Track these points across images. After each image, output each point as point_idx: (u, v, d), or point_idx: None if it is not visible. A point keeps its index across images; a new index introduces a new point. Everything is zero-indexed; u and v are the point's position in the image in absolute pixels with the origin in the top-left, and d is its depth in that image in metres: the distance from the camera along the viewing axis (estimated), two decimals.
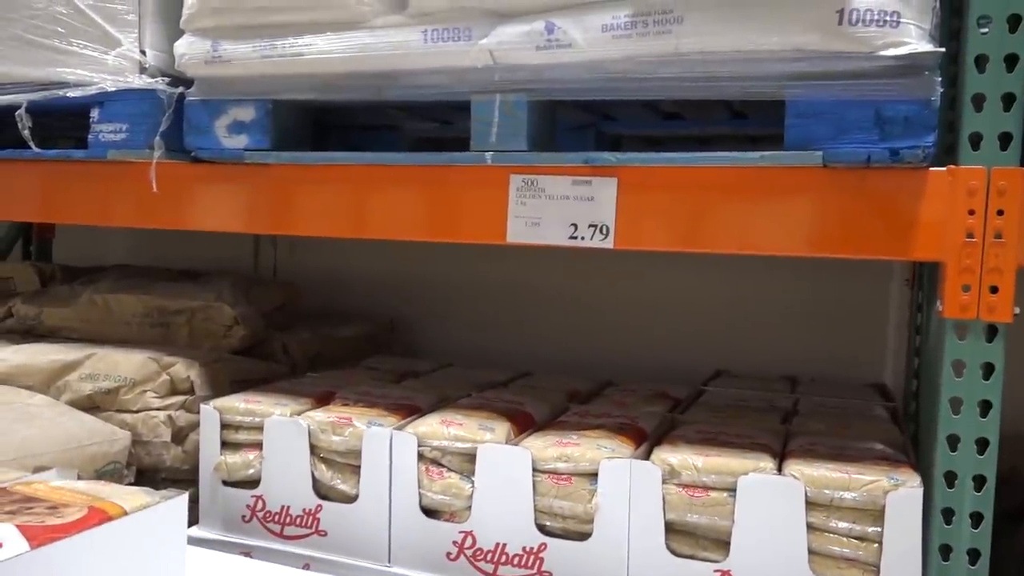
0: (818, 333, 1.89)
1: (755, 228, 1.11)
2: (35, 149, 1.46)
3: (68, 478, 0.93)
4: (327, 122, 1.52)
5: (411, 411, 1.36)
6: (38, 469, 1.21)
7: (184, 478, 1.48)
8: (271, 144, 1.31)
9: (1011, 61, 0.98)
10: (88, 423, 1.38)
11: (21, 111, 1.45)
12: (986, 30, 0.99)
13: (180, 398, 1.47)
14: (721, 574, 1.05)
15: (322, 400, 1.43)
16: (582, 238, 1.19)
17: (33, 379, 1.51)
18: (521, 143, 1.18)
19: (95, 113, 1.43)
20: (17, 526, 0.74)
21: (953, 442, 1.01)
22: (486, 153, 1.19)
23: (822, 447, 1.13)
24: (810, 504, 1.02)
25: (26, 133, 1.45)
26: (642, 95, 1.12)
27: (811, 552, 1.02)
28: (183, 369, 1.47)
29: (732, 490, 1.05)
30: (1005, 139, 0.98)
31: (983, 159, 0.99)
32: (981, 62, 0.99)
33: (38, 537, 0.73)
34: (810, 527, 1.02)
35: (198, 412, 1.45)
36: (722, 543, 1.08)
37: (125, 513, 0.81)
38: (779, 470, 1.07)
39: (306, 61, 1.25)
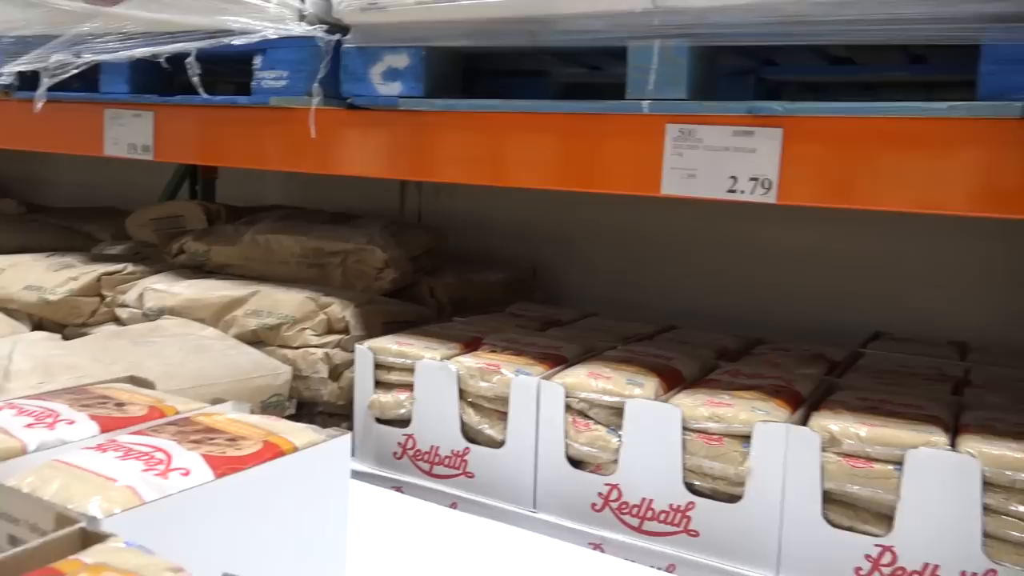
0: (995, 297, 1.75)
1: (937, 185, 1.03)
2: (203, 95, 1.53)
3: (242, 411, 0.98)
4: (472, 69, 1.51)
5: (557, 361, 1.36)
6: (214, 399, 1.30)
7: (339, 412, 1.55)
8: (424, 91, 1.31)
9: None
10: (254, 357, 1.47)
11: (191, 59, 1.52)
12: None
13: (336, 337, 1.53)
14: (883, 549, 1.01)
15: (470, 346, 1.45)
16: (741, 192, 1.14)
17: (204, 313, 1.61)
18: (680, 91, 1.13)
19: (258, 60, 1.48)
20: (202, 455, 0.80)
21: None
22: (642, 102, 1.15)
23: (1001, 423, 1.05)
24: (988, 485, 0.95)
25: (195, 80, 1.52)
26: (817, 39, 1.05)
27: (986, 536, 0.96)
28: (339, 309, 1.53)
29: (899, 463, 1.00)
30: None
31: None
32: None
33: (220, 467, 0.78)
34: (986, 509, 0.96)
35: (352, 351, 1.51)
36: (884, 517, 1.03)
37: (295, 449, 0.85)
38: (952, 445, 1.01)
39: (462, 6, 1.23)
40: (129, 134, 1.73)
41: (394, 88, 1.33)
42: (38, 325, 1.82)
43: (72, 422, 0.87)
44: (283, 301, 1.56)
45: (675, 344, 1.52)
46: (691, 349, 1.47)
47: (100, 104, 1.74)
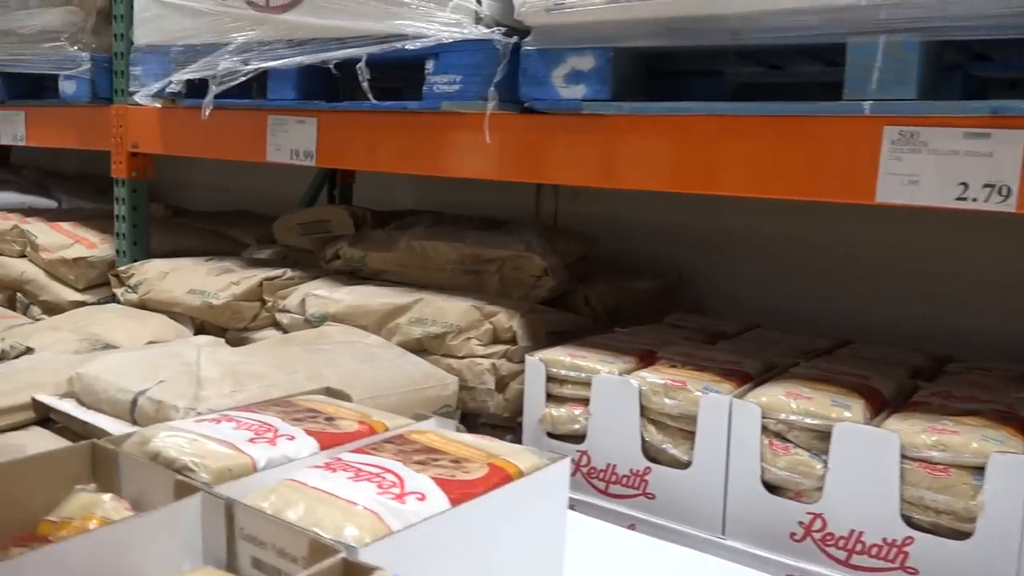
0: None
1: None
2: (372, 101, 1.52)
3: (446, 427, 0.95)
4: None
5: (743, 378, 1.29)
6: (389, 410, 1.29)
7: (502, 424, 1.52)
8: (611, 94, 1.26)
9: None
10: (422, 366, 1.45)
11: (361, 64, 1.52)
12: None
13: (502, 347, 1.50)
14: None
15: (644, 359, 1.39)
16: (973, 200, 1.04)
17: (367, 319, 1.60)
18: (908, 91, 1.04)
19: (430, 65, 1.46)
20: (433, 479, 0.76)
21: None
22: (864, 102, 1.06)
23: None
24: None
25: (365, 85, 1.52)
26: None
27: None
28: (505, 319, 1.50)
29: None
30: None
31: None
32: None
33: (454, 493, 0.75)
34: None
35: (519, 362, 1.47)
36: None
37: (521, 473, 0.81)
38: None
39: (658, 5, 1.18)
40: (292, 140, 1.74)
41: (577, 91, 1.28)
42: (199, 328, 1.87)
43: (292, 438, 0.85)
44: (447, 309, 1.54)
45: (862, 361, 1.42)
46: (882, 367, 1.37)
47: (264, 111, 1.76)
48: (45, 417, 1.24)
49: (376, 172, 2.27)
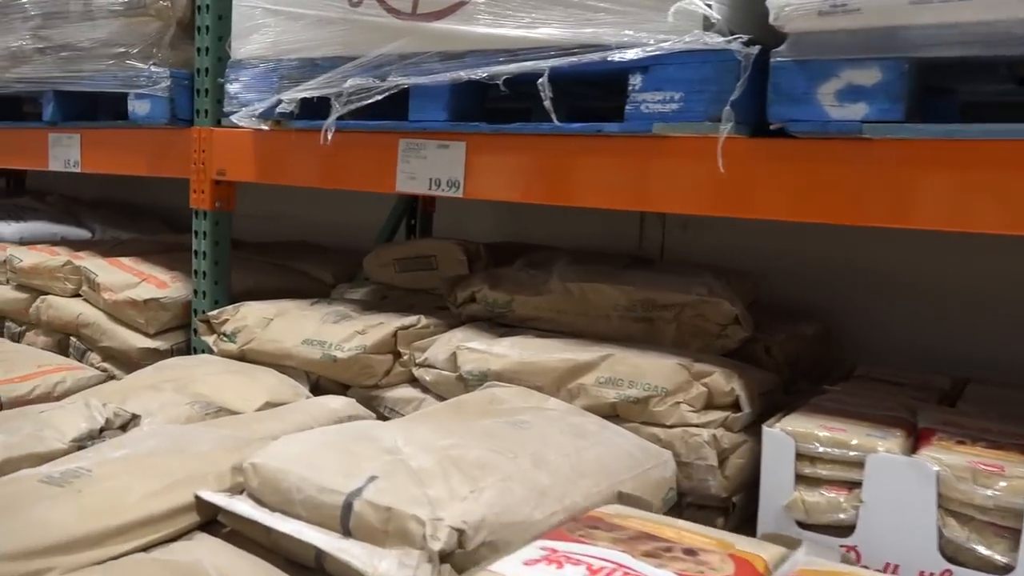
0: None
1: None
2: (556, 122, 1.29)
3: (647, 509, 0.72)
4: None
5: None
6: (620, 498, 1.04)
7: (712, 504, 1.28)
8: (902, 114, 1.04)
9: None
10: (633, 440, 1.21)
11: (543, 80, 1.28)
12: None
13: (720, 414, 1.26)
14: None
15: (908, 430, 1.16)
16: None
17: (542, 379, 1.36)
18: None
19: (636, 80, 1.23)
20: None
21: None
22: None
23: None
24: None
25: (547, 104, 1.28)
26: None
27: None
28: (723, 380, 1.26)
29: None
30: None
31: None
32: None
33: None
34: None
35: (739, 431, 1.24)
36: None
37: (767, 567, 0.58)
38: None
39: (981, 5, 0.96)
40: (431, 167, 1.50)
41: (856, 111, 1.06)
42: (315, 385, 1.61)
43: None
44: (646, 368, 1.30)
45: None
46: None
47: (394, 134, 1.52)
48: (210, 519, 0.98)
49: (457, 200, 2.03)
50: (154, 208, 3.30)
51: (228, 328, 1.70)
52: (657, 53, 1.19)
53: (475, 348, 1.43)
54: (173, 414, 1.37)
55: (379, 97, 1.47)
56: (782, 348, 1.57)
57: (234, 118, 1.69)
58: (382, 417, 1.48)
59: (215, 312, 1.76)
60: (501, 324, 1.60)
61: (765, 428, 1.17)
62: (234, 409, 1.43)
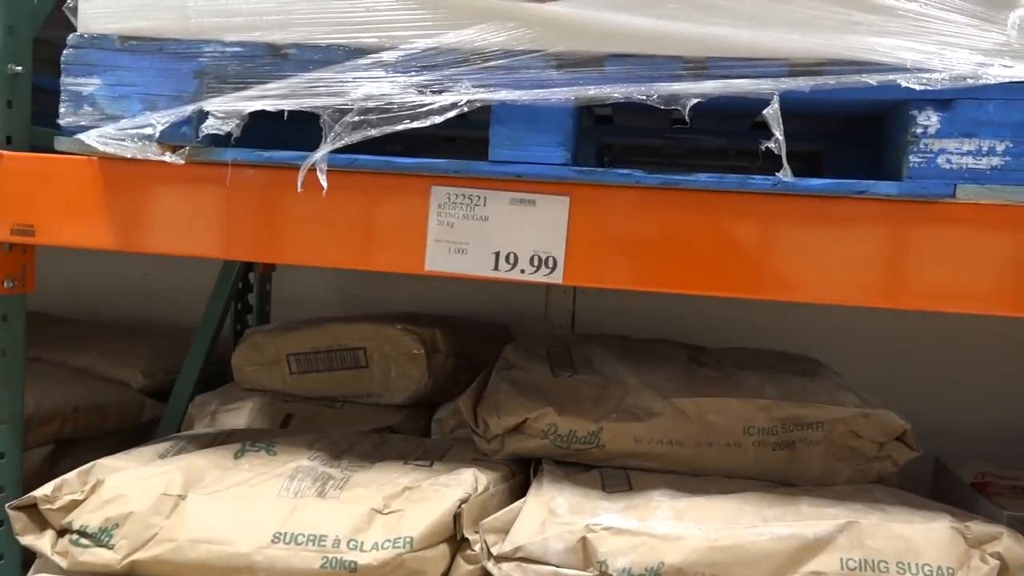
0: None
1: None
2: (784, 177, 0.83)
3: None
4: None
5: None
6: None
7: None
8: None
9: None
10: None
11: (771, 109, 0.82)
12: None
13: None
14: None
15: None
16: None
17: (753, 571, 0.87)
18: None
19: (928, 120, 0.83)
20: None
21: None
22: None
23: None
24: None
25: (777, 145, 0.82)
26: None
27: None
28: (1016, 546, 0.89)
29: None
30: None
31: None
32: None
33: None
34: None
35: None
36: None
37: None
38: None
39: None
40: (497, 236, 0.93)
41: None
42: None
43: None
44: (912, 537, 0.88)
45: None
46: None
47: (423, 177, 0.93)
48: None
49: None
50: None
51: (86, 519, 0.93)
52: (973, 84, 0.79)
53: (620, 527, 0.89)
54: None
55: (437, 120, 0.87)
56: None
57: (93, 138, 0.93)
58: None
59: (47, 489, 0.96)
60: (582, 465, 1.07)
61: None
62: None
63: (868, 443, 1.10)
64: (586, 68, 0.86)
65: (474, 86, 0.87)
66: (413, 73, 0.88)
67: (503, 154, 0.89)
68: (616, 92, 0.85)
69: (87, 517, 0.93)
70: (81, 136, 0.94)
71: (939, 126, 0.82)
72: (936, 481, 1.47)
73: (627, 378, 1.13)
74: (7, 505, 0.97)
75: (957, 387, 1.78)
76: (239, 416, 1.30)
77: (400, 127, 0.88)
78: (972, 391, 1.77)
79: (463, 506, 0.93)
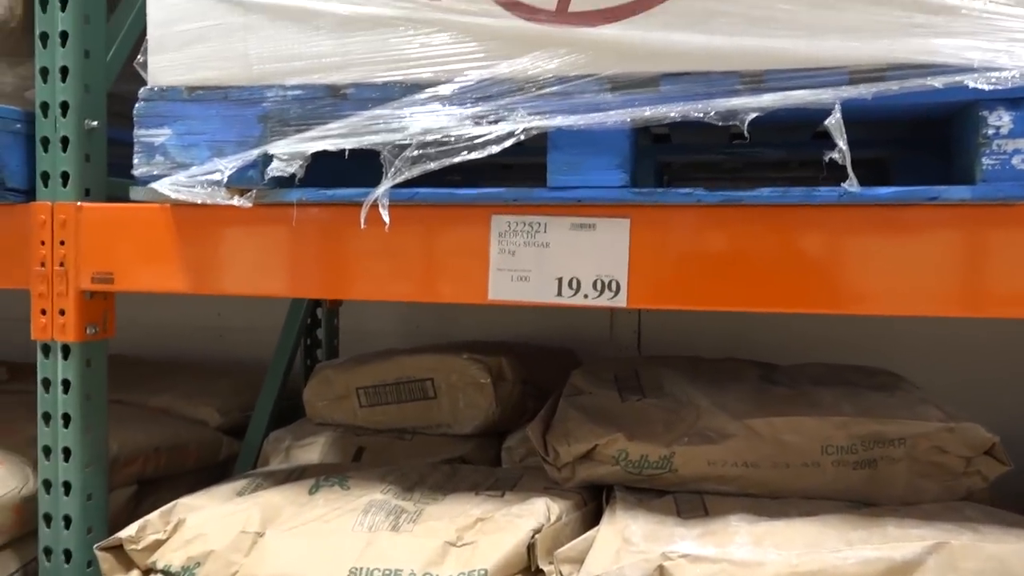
0: None
1: None
2: (852, 188, 0.80)
3: None
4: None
5: None
6: None
7: None
8: None
9: None
10: None
11: (833, 119, 0.80)
12: None
13: None
14: None
15: None
16: None
17: None
18: None
19: (1001, 119, 0.80)
20: None
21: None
22: None
23: None
24: None
25: (842, 154, 0.80)
26: None
27: None
28: None
29: None
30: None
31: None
32: None
33: None
34: None
35: None
36: None
37: None
38: None
39: None
40: (558, 260, 0.93)
41: None
42: None
43: None
44: (1002, 561, 0.84)
45: None
46: None
47: (482, 207, 0.94)
48: None
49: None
50: None
51: (170, 558, 0.95)
52: None
53: (698, 554, 0.87)
54: None
55: (494, 150, 0.88)
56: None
57: (165, 186, 0.97)
58: None
59: (131, 529, 0.99)
60: (654, 491, 1.05)
61: None
62: None
63: (954, 458, 1.05)
64: (641, 89, 0.86)
65: (529, 114, 0.88)
66: (469, 105, 0.89)
67: (561, 180, 0.89)
68: (673, 111, 0.85)
69: (170, 556, 0.96)
70: (154, 185, 0.98)
71: (1012, 125, 0.79)
72: None
73: (698, 400, 1.11)
74: (95, 546, 1.00)
75: None
76: (312, 451, 1.32)
77: (458, 159, 0.89)
78: None
79: (536, 536, 0.92)
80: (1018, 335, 1.70)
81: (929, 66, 0.79)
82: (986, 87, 0.77)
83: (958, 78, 0.78)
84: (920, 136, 1.13)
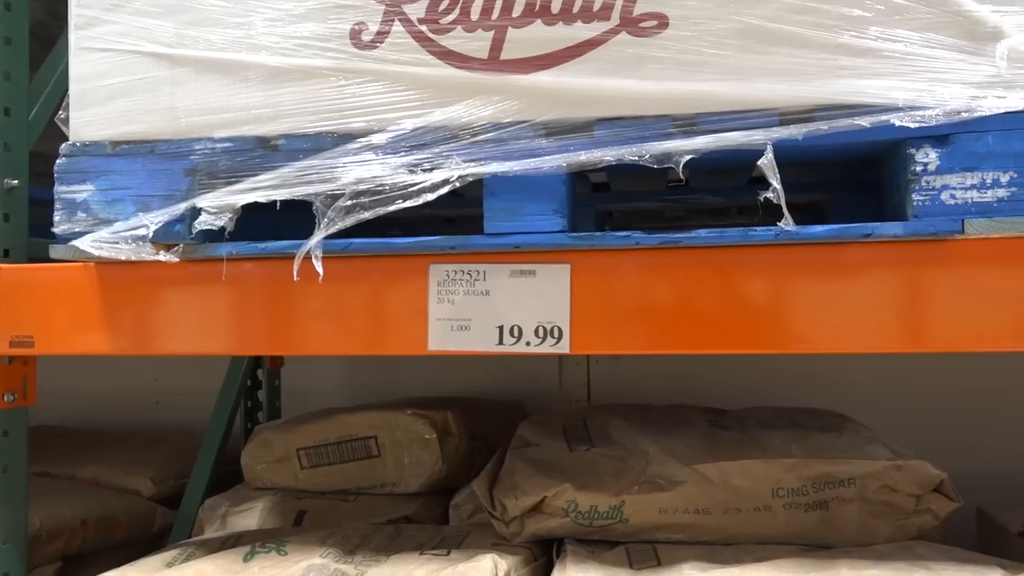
0: None
1: None
2: (788, 227, 0.81)
3: None
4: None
5: None
6: None
7: None
8: None
9: None
10: None
11: (765, 159, 0.80)
12: None
13: None
14: None
15: None
16: None
17: None
18: None
19: (928, 156, 0.81)
20: None
21: None
22: None
23: None
24: None
25: (777, 195, 0.80)
26: None
27: None
28: None
29: None
30: None
31: None
32: None
33: None
34: None
35: None
36: None
37: None
38: None
39: None
40: (499, 309, 0.91)
41: None
42: None
43: None
44: None
45: None
46: None
47: (419, 256, 0.92)
48: None
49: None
50: None
51: None
52: (969, 117, 0.78)
53: None
54: None
55: (429, 197, 0.86)
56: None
57: (87, 243, 0.93)
58: None
59: None
60: (606, 543, 1.02)
61: None
62: None
63: (905, 497, 1.04)
64: (575, 134, 0.86)
65: (464, 161, 0.87)
66: (403, 153, 0.88)
67: (499, 226, 0.88)
68: (607, 155, 0.85)
69: None
70: (75, 243, 0.94)
71: (939, 162, 0.80)
72: (981, 532, 1.40)
73: (647, 447, 1.09)
74: None
75: (995, 434, 1.72)
76: (250, 517, 1.26)
77: (392, 207, 0.87)
78: (1013, 437, 1.72)
79: None
80: (962, 371, 1.72)
81: (856, 106, 0.81)
82: (912, 125, 0.79)
83: (884, 117, 0.80)
84: (855, 177, 1.15)
